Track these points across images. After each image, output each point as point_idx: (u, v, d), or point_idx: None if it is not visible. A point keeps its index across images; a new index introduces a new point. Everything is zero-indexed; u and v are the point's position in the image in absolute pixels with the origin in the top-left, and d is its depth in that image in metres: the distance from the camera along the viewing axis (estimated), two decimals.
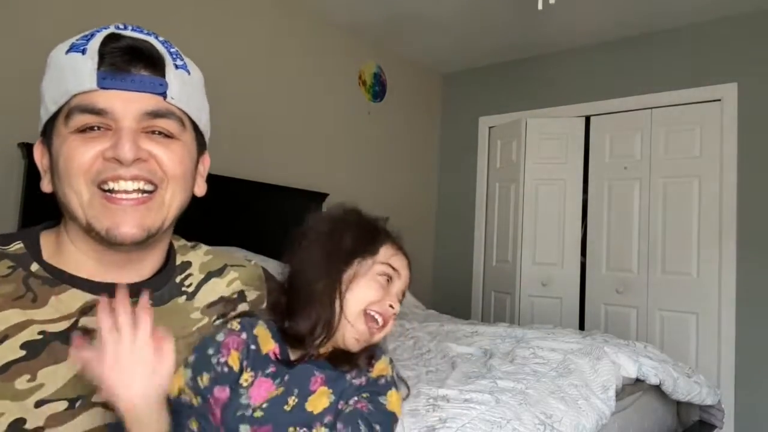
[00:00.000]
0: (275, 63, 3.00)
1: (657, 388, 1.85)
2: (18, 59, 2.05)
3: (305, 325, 0.72)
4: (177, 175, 0.70)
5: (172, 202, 0.71)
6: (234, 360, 0.68)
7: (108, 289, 0.68)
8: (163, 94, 0.68)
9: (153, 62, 0.68)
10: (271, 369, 0.70)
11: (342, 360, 0.73)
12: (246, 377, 0.68)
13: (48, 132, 0.69)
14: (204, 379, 0.66)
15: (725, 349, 2.89)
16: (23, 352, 0.62)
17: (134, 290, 0.70)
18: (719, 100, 3.01)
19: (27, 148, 2.01)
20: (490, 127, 3.92)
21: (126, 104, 0.66)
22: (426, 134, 4.10)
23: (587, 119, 3.49)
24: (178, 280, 0.78)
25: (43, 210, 2.24)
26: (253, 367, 0.69)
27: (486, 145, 3.93)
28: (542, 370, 1.61)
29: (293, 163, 3.10)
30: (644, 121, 3.25)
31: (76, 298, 0.67)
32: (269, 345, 0.71)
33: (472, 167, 3.97)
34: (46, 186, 0.71)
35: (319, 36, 3.25)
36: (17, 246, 0.70)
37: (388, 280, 0.77)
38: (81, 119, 0.65)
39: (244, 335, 0.70)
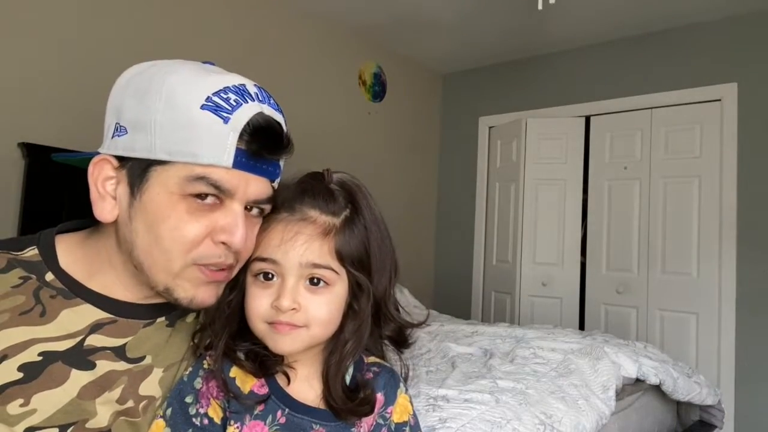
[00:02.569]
0: (275, 63, 3.00)
1: (657, 388, 1.85)
2: (18, 60, 2.05)
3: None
4: (248, 255, 0.68)
5: (236, 272, 0.70)
6: (215, 411, 0.63)
7: (123, 308, 0.68)
8: (273, 179, 0.68)
9: (279, 150, 0.68)
10: (259, 408, 0.63)
11: (339, 408, 0.65)
12: (231, 430, 0.61)
13: (138, 169, 0.63)
14: None
15: (725, 349, 2.89)
16: (20, 375, 0.59)
17: (151, 311, 0.70)
18: (719, 100, 3.01)
19: (27, 148, 2.01)
20: (490, 127, 3.92)
21: (246, 188, 0.64)
22: (426, 134, 4.10)
23: (587, 119, 3.48)
24: None
25: (43, 211, 2.23)
26: (238, 415, 0.62)
27: (486, 145, 3.92)
28: (542, 370, 1.61)
29: (292, 163, 3.10)
30: (644, 121, 3.24)
31: (88, 314, 0.65)
32: (249, 382, 0.64)
33: (472, 167, 3.97)
34: (108, 214, 0.65)
35: (319, 36, 3.25)
36: (32, 252, 0.67)
37: (265, 277, 0.65)
38: (201, 189, 0.62)
39: (222, 377, 0.64)
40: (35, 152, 2.02)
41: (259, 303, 0.64)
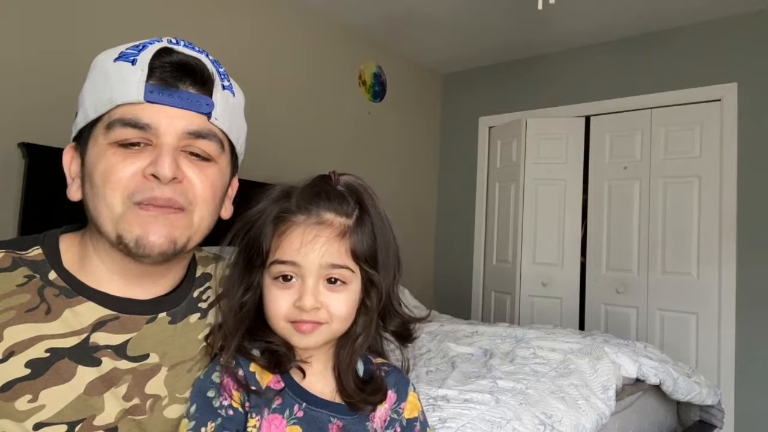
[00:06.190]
0: (275, 63, 3.00)
1: (657, 388, 1.84)
2: (18, 60, 2.05)
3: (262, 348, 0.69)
4: (207, 199, 0.69)
5: (200, 224, 0.70)
6: (237, 402, 0.65)
7: (125, 305, 0.68)
8: (208, 114, 0.68)
9: (202, 80, 0.68)
10: (277, 402, 0.66)
11: (353, 400, 0.68)
12: (253, 423, 0.64)
13: (83, 138, 0.68)
14: (209, 428, 0.63)
15: (725, 349, 2.89)
16: (28, 371, 0.60)
17: (152, 306, 0.71)
18: (719, 100, 3.01)
19: (27, 148, 2.01)
20: (490, 127, 3.92)
21: (170, 120, 0.65)
22: (426, 134, 4.10)
23: (587, 119, 3.49)
24: (195, 294, 0.77)
25: (43, 211, 2.23)
26: (257, 408, 0.65)
27: (486, 145, 3.93)
28: (542, 370, 1.61)
29: (292, 163, 3.10)
30: (644, 121, 3.24)
31: (91, 312, 0.66)
32: (266, 378, 0.67)
33: (472, 167, 3.97)
34: (74, 193, 0.69)
35: (319, 36, 3.25)
36: (36, 251, 0.68)
37: (285, 278, 0.67)
38: (122, 133, 0.64)
39: (241, 372, 0.66)
40: (35, 152, 2.02)
41: (280, 304, 0.67)
